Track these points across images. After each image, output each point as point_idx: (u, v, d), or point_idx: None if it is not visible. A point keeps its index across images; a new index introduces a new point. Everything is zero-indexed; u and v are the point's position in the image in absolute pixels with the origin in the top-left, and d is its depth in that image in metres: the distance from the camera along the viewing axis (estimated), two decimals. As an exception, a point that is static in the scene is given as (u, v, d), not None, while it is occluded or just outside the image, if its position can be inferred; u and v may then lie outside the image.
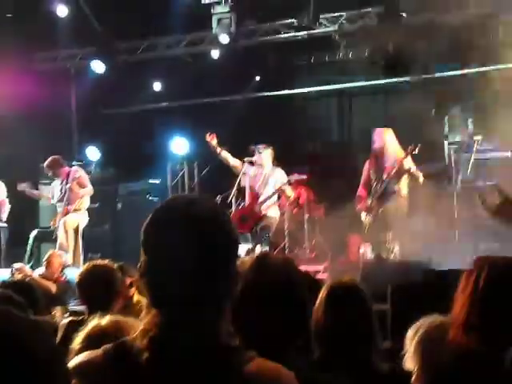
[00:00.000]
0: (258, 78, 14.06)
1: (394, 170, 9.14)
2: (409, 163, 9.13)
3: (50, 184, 11.47)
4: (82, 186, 10.84)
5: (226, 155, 10.54)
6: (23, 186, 11.18)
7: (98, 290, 4.43)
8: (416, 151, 9.08)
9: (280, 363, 1.86)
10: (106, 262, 4.77)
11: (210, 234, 1.81)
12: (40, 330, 1.14)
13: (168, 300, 1.80)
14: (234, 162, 10.54)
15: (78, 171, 10.89)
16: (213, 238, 1.81)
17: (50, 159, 11.02)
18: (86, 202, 11.02)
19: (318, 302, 3.18)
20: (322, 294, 3.19)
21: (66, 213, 10.73)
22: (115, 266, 4.86)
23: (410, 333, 3.26)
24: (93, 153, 14.14)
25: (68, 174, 10.82)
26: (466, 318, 2.60)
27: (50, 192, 11.14)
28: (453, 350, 2.59)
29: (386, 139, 9.28)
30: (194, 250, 1.77)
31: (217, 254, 1.81)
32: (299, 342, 2.47)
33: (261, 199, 10.42)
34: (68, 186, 10.68)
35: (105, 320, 2.85)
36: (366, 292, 3.28)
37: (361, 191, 9.64)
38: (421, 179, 9.24)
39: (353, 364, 3.05)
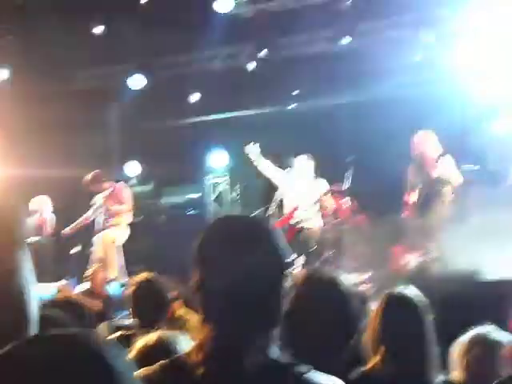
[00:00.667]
0: (295, 92, 14.02)
1: (428, 191, 9.02)
2: (446, 173, 8.95)
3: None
4: (120, 202, 10.89)
5: (265, 166, 10.49)
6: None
7: (150, 304, 4.44)
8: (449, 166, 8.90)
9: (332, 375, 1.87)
10: (156, 276, 4.77)
11: (265, 252, 1.83)
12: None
13: (222, 316, 1.81)
14: (274, 173, 10.49)
15: (126, 190, 10.98)
16: (267, 256, 1.84)
17: (91, 175, 11.13)
18: (126, 218, 11.07)
19: (374, 312, 3.17)
20: (379, 303, 3.18)
21: (104, 228, 10.80)
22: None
23: (455, 345, 3.22)
24: (133, 168, 14.28)
25: (114, 190, 10.89)
26: None
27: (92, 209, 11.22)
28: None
29: (426, 143, 9.16)
30: (249, 267, 1.80)
31: (270, 272, 1.83)
32: (344, 355, 2.46)
33: (300, 210, 10.36)
34: (105, 201, 10.77)
35: (154, 336, 2.86)
36: (421, 302, 3.25)
37: (406, 197, 9.51)
38: (459, 181, 9.04)
39: (407, 373, 3.02)
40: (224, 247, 1.83)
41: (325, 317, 2.35)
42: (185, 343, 2.72)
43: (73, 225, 11.30)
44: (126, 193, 11.15)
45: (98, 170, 11.28)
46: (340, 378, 1.90)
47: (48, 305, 3.74)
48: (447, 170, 9.03)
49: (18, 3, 11.71)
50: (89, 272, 9.02)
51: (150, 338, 2.84)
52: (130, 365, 1.17)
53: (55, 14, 11.82)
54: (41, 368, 1.06)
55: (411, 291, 3.33)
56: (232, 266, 1.79)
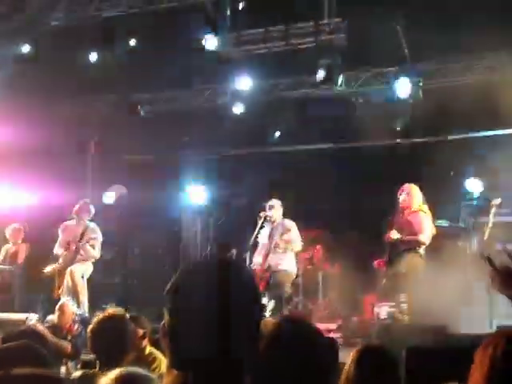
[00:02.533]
0: (277, 134, 14.09)
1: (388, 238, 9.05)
2: (394, 235, 9.00)
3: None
4: (93, 247, 10.80)
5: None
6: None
7: (109, 341, 4.31)
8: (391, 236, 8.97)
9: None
10: (118, 311, 4.67)
11: (236, 299, 1.80)
12: None
13: (191, 364, 1.77)
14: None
15: (96, 231, 10.88)
16: (238, 303, 1.80)
17: (85, 204, 11.04)
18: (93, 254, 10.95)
19: (348, 364, 3.14)
20: (353, 357, 3.15)
21: (71, 263, 10.66)
22: (127, 316, 4.75)
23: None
24: (110, 198, 14.27)
25: (85, 229, 10.78)
26: None
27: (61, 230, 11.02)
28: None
29: (411, 195, 9.20)
30: (220, 315, 1.76)
31: (242, 320, 1.79)
32: None
33: (273, 254, 10.34)
34: (82, 244, 10.66)
35: (113, 374, 2.77)
36: (395, 356, 3.24)
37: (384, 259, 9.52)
38: (422, 241, 9.07)
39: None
40: (194, 294, 1.80)
41: (295, 367, 2.31)
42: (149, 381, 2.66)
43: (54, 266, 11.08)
44: (99, 239, 10.99)
45: (87, 201, 11.18)
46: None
47: (15, 335, 3.66)
48: (420, 223, 9.01)
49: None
50: (57, 306, 8.85)
51: (109, 378, 2.76)
52: None
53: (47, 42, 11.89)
54: None
55: (381, 345, 3.32)
56: (202, 314, 1.76)
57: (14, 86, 12.14)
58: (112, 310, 4.67)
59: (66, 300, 9.11)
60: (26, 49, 11.95)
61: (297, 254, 10.81)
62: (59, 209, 11.43)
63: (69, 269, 10.55)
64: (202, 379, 1.76)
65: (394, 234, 8.93)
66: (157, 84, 13.53)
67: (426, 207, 9.18)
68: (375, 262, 9.44)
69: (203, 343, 1.75)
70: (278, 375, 2.27)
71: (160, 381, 2.08)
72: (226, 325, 1.76)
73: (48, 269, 10.78)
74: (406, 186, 9.29)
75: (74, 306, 8.95)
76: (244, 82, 12.58)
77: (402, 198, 9.24)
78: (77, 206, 10.93)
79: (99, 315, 4.58)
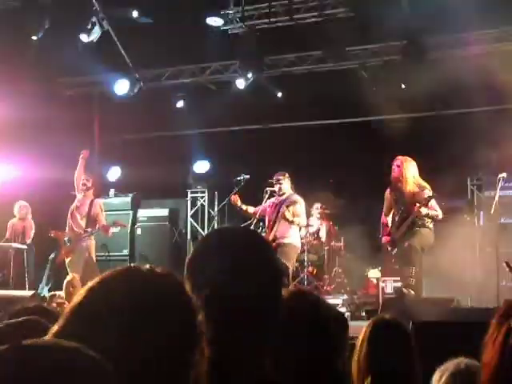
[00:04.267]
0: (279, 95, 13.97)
1: (411, 218, 8.96)
2: (425, 210, 8.90)
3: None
4: (99, 220, 10.83)
5: (249, 210, 10.52)
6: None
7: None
8: (431, 203, 8.87)
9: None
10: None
11: (262, 264, 1.79)
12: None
13: (216, 333, 1.76)
14: (255, 209, 10.51)
15: (101, 207, 10.90)
16: (263, 268, 1.79)
17: (97, 179, 11.06)
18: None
19: (360, 339, 3.13)
20: (366, 330, 3.14)
21: (81, 237, 10.68)
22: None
23: (435, 376, 3.18)
24: (114, 174, 14.32)
25: (91, 204, 10.80)
26: (498, 371, 2.49)
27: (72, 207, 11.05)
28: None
29: (406, 169, 9.10)
30: (245, 279, 1.75)
31: (267, 285, 1.79)
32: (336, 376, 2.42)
33: (278, 227, 10.33)
34: (92, 215, 10.69)
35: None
36: (408, 329, 3.23)
37: (383, 219, 9.45)
38: (440, 217, 9.01)
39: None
40: (219, 260, 1.77)
41: (306, 342, 2.30)
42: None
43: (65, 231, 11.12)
44: (102, 207, 11.02)
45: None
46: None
47: (24, 312, 3.65)
48: (421, 211, 8.93)
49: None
50: (66, 282, 8.87)
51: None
52: None
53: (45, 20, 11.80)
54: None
55: (393, 318, 3.30)
56: (226, 278, 1.74)
57: (15, 62, 12.12)
58: None
59: (74, 275, 9.13)
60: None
61: (300, 229, 10.82)
62: (63, 185, 11.43)
63: (85, 244, 10.58)
64: (225, 350, 1.75)
65: (424, 210, 8.82)
66: (159, 60, 13.49)
67: (421, 180, 9.08)
68: (384, 238, 9.38)
69: (225, 308, 1.74)
70: (288, 350, 2.26)
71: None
72: (249, 288, 1.75)
73: (55, 231, 10.84)
74: (399, 158, 9.22)
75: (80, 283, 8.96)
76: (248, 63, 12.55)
77: (394, 169, 9.18)
78: (90, 180, 10.96)
79: None
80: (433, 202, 8.87)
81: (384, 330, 3.17)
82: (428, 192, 8.88)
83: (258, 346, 1.80)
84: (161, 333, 1.31)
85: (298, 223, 10.17)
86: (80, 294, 1.36)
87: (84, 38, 11.98)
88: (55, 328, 1.31)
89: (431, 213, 8.84)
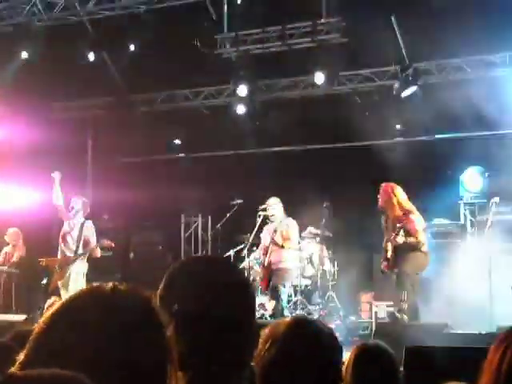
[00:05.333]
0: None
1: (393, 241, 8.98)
2: (401, 238, 8.92)
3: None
4: (96, 252, 10.79)
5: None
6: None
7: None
8: (409, 229, 8.90)
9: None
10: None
11: (224, 298, 1.79)
12: None
13: (192, 364, 1.76)
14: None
15: (92, 230, 10.86)
16: (227, 301, 1.79)
17: (84, 200, 11.01)
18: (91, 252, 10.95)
19: (346, 363, 3.13)
20: (351, 356, 3.14)
21: (72, 261, 10.64)
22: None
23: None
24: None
25: (82, 226, 10.76)
26: None
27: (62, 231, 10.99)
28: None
29: (392, 195, 9.13)
30: (215, 313, 1.76)
31: (238, 317, 1.78)
32: None
33: (274, 252, 10.34)
34: (82, 238, 10.64)
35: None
36: (393, 355, 3.23)
37: (384, 244, 9.46)
38: (420, 245, 8.99)
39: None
40: (187, 290, 1.79)
41: (315, 364, 2.30)
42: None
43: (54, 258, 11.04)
44: (93, 229, 10.97)
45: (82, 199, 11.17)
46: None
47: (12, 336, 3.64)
48: (420, 224, 8.96)
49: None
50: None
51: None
52: None
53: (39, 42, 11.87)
54: None
55: (381, 343, 3.31)
56: (197, 308, 1.75)
57: (12, 86, 12.16)
58: None
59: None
60: (24, 54, 11.92)
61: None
62: (55, 209, 11.40)
63: (70, 268, 10.54)
64: (202, 380, 1.75)
65: (400, 238, 8.85)
66: (154, 84, 13.54)
67: (409, 204, 9.10)
68: (383, 265, 9.38)
69: (200, 344, 1.75)
70: (293, 376, 2.26)
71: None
72: (221, 324, 1.76)
73: (45, 259, 10.77)
74: (382, 185, 9.27)
75: None
76: (241, 87, 12.60)
77: (378, 198, 9.23)
78: (77, 203, 10.92)
79: None
80: (415, 227, 8.88)
81: (368, 356, 3.18)
82: (412, 217, 8.91)
83: (233, 363, 1.80)
84: (128, 351, 1.27)
85: (289, 247, 10.18)
86: (43, 320, 1.32)
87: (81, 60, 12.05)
88: (21, 357, 1.27)
89: (409, 240, 8.85)
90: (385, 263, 9.27)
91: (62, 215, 10.91)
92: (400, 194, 9.12)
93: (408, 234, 8.87)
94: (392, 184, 9.21)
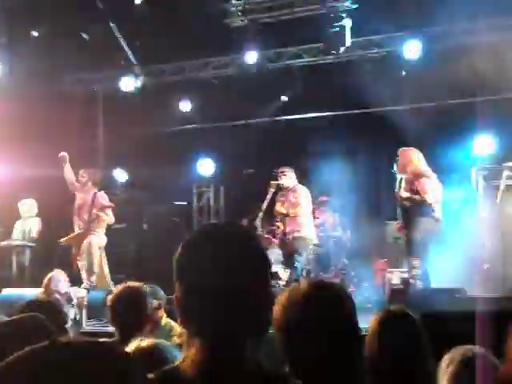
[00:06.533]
0: (284, 98, 13.99)
1: (410, 207, 8.96)
2: (405, 193, 8.89)
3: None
4: (107, 214, 10.83)
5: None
6: None
7: (131, 313, 4.41)
8: (420, 187, 8.86)
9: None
10: (137, 284, 4.74)
11: (241, 261, 1.80)
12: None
13: (208, 330, 1.79)
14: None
15: (105, 198, 10.89)
16: (243, 265, 1.80)
17: (94, 171, 11.07)
18: (105, 224, 11.01)
19: (370, 331, 3.15)
20: (374, 322, 3.16)
21: (88, 235, 10.71)
22: (145, 288, 4.80)
23: (443, 364, 3.20)
24: (120, 174, 14.29)
25: (95, 197, 10.81)
26: None
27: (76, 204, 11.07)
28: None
29: (410, 159, 9.09)
30: (226, 278, 1.77)
31: (248, 281, 1.80)
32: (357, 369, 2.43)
33: (289, 220, 10.33)
34: (95, 212, 10.69)
35: (144, 343, 2.82)
36: (416, 319, 3.24)
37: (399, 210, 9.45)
38: (428, 202, 8.95)
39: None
40: (205, 254, 1.79)
41: (336, 327, 2.32)
42: (175, 352, 2.69)
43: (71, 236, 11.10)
44: (107, 198, 11.03)
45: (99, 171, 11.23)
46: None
47: (26, 306, 3.69)
48: (430, 187, 8.92)
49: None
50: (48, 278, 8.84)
51: (139, 345, 2.79)
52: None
53: (48, 17, 11.83)
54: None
55: (400, 308, 3.31)
56: (214, 273, 1.76)
57: (26, 60, 12.16)
58: (130, 283, 4.73)
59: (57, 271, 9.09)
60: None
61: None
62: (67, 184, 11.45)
63: (85, 241, 10.62)
64: (219, 345, 1.77)
65: (403, 193, 8.86)
66: (164, 54, 13.49)
67: (427, 170, 9.05)
68: (397, 226, 9.40)
69: (215, 304, 1.76)
70: (314, 338, 2.28)
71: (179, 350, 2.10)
72: (236, 283, 1.77)
73: (64, 239, 10.86)
74: (401, 149, 9.23)
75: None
76: (250, 55, 12.56)
77: (396, 162, 9.20)
78: (86, 174, 10.99)
79: (119, 288, 4.65)
80: (424, 186, 8.84)
81: (392, 322, 3.18)
82: (425, 179, 8.87)
83: (250, 329, 1.81)
84: None
85: (300, 214, 10.14)
86: None
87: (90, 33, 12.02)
88: None
89: (414, 197, 8.82)
90: (399, 227, 9.30)
91: (73, 189, 11.02)
92: (419, 158, 9.08)
93: (416, 192, 8.84)
94: (411, 148, 9.17)
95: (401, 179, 8.96)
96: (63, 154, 11.10)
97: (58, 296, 8.45)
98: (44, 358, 1.13)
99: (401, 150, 9.21)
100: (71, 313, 8.65)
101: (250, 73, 12.85)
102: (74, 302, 8.88)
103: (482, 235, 9.50)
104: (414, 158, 9.04)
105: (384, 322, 3.16)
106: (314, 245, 11.08)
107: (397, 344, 3.09)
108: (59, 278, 8.62)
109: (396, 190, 8.98)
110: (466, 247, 9.42)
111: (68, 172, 11.05)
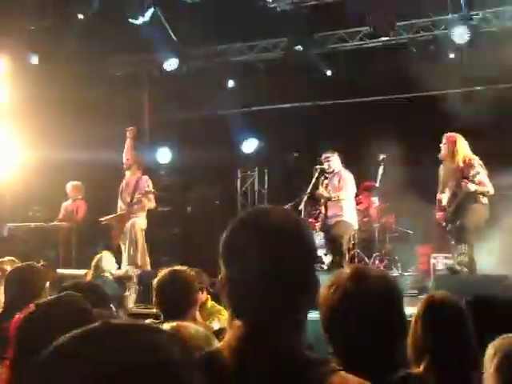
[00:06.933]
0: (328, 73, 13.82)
1: (460, 195, 8.81)
2: (473, 186, 8.73)
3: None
4: (149, 200, 10.86)
5: None
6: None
7: (175, 295, 4.41)
8: (479, 178, 8.69)
9: (371, 378, 1.82)
10: (185, 268, 4.73)
11: (287, 247, 1.79)
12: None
13: (247, 313, 1.79)
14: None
15: (148, 183, 10.93)
16: (290, 250, 1.79)
17: (138, 154, 11.14)
18: (148, 207, 11.05)
19: (414, 316, 3.12)
20: (420, 307, 3.13)
21: (129, 217, 10.78)
22: (190, 271, 4.80)
23: (489, 352, 3.15)
24: (164, 155, 14.36)
25: (138, 182, 10.87)
26: None
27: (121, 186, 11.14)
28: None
29: (453, 145, 8.95)
30: (272, 263, 1.76)
31: (294, 267, 1.78)
32: (399, 357, 2.42)
33: (331, 205, 10.28)
34: (138, 197, 10.75)
35: (166, 326, 2.82)
36: (461, 306, 3.20)
37: (438, 195, 9.31)
38: (490, 193, 8.80)
39: (451, 379, 2.98)
40: (251, 239, 1.79)
41: (378, 315, 2.31)
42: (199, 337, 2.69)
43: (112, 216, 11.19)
44: (150, 183, 11.06)
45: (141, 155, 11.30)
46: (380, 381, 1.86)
47: (71, 288, 3.73)
48: (469, 187, 8.76)
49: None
50: (96, 259, 8.94)
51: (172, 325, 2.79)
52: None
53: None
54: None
55: (446, 295, 3.27)
56: (259, 258, 1.75)
57: (68, 46, 12.27)
58: (177, 267, 4.73)
59: (105, 251, 9.18)
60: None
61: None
62: (115, 167, 11.53)
63: (129, 224, 10.69)
64: (256, 328, 1.77)
65: (472, 186, 8.68)
66: (207, 38, 13.49)
67: (475, 157, 8.89)
68: (438, 214, 9.27)
69: (256, 292, 1.76)
70: (354, 322, 2.27)
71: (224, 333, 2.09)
72: (281, 267, 1.76)
73: (105, 218, 10.95)
74: (446, 135, 9.07)
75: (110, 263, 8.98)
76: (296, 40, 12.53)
77: (442, 147, 9.05)
78: (131, 157, 11.05)
79: (165, 270, 4.65)
80: (483, 178, 8.69)
81: (438, 308, 3.15)
82: (477, 167, 8.72)
83: (293, 310, 1.81)
84: None
85: (343, 198, 10.08)
86: None
87: (135, 20, 12.03)
88: None
89: (480, 189, 8.66)
90: (440, 213, 9.16)
91: (124, 168, 11.11)
92: (464, 144, 8.94)
93: (477, 182, 8.70)
94: (456, 134, 9.03)
95: (470, 173, 8.75)
96: (132, 128, 11.18)
97: (108, 275, 8.59)
98: (94, 340, 1.15)
99: (447, 135, 9.07)
100: (122, 292, 8.74)
101: (296, 56, 12.79)
102: (125, 281, 8.99)
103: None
104: (461, 144, 8.91)
105: (428, 308, 3.13)
106: (358, 229, 11.01)
107: (442, 331, 3.06)
108: (108, 259, 8.75)
109: (463, 184, 8.76)
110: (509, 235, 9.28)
111: (128, 151, 11.10)
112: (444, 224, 9.13)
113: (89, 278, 8.47)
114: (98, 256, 8.77)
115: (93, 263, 8.68)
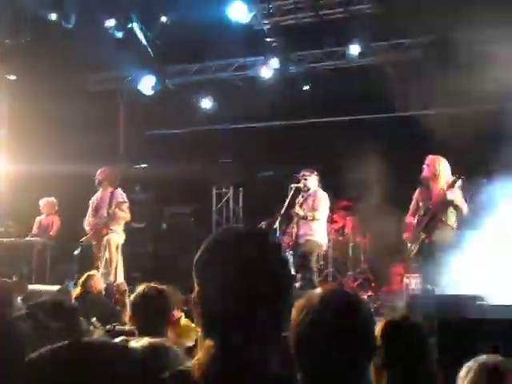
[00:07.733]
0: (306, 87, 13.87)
1: (439, 202, 8.89)
2: (453, 195, 8.82)
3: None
4: (123, 210, 10.79)
5: None
6: None
7: (151, 313, 4.39)
8: (459, 183, 8.80)
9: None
10: (160, 286, 4.70)
11: (262, 270, 1.80)
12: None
13: (218, 333, 1.79)
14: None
15: (122, 196, 10.86)
16: (264, 274, 1.80)
17: (109, 170, 11.04)
18: (123, 224, 10.98)
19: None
20: (378, 330, 3.13)
21: (106, 233, 10.70)
22: (166, 289, 4.77)
23: (462, 372, 3.18)
24: (139, 174, 14.37)
25: (112, 195, 10.80)
26: None
27: (91, 204, 11.06)
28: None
29: (438, 168, 9.03)
30: (245, 285, 1.77)
31: (267, 290, 1.79)
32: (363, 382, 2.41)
33: (303, 224, 10.29)
34: (112, 209, 10.66)
35: (141, 342, 2.81)
36: (421, 327, 3.22)
37: (409, 218, 9.40)
38: (465, 212, 8.91)
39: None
40: (225, 260, 1.79)
41: (350, 338, 2.29)
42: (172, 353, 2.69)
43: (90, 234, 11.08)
44: (127, 203, 10.99)
45: (114, 170, 11.21)
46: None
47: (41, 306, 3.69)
48: (448, 195, 8.84)
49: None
50: (83, 278, 8.87)
51: (142, 342, 2.79)
52: None
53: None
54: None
55: (408, 316, 3.29)
56: (233, 279, 1.76)
57: (42, 60, 12.24)
58: (151, 283, 4.70)
59: (92, 273, 9.13)
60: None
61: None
62: (90, 182, 11.47)
63: (105, 239, 10.61)
64: (228, 348, 1.77)
65: (449, 194, 8.73)
66: (183, 56, 13.53)
67: (451, 178, 8.96)
68: (404, 234, 9.33)
69: (232, 308, 1.76)
70: (323, 343, 2.26)
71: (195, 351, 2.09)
72: (254, 294, 1.77)
73: (84, 238, 10.86)
74: (429, 157, 9.15)
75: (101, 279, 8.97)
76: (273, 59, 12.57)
77: (424, 169, 9.11)
78: (101, 173, 10.95)
79: (143, 287, 4.62)
80: (461, 201, 8.78)
81: (394, 331, 3.16)
82: (457, 190, 8.80)
83: (268, 333, 1.81)
84: None
85: (316, 218, 10.11)
86: None
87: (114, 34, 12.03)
88: None
89: (457, 201, 8.74)
90: (408, 234, 9.24)
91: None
92: (446, 167, 9.02)
93: (454, 206, 8.78)
94: (438, 156, 9.10)
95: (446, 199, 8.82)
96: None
97: (95, 292, 8.53)
98: (61, 358, 1.16)
99: (429, 157, 9.14)
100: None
101: (274, 75, 12.86)
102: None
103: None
104: (441, 165, 8.99)
105: (386, 330, 3.15)
106: (332, 248, 11.03)
107: (398, 352, 3.08)
108: (96, 277, 8.71)
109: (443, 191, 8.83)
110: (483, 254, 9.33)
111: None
112: (410, 244, 9.22)
113: (76, 294, 8.40)
114: (86, 274, 8.73)
115: (80, 281, 8.63)
